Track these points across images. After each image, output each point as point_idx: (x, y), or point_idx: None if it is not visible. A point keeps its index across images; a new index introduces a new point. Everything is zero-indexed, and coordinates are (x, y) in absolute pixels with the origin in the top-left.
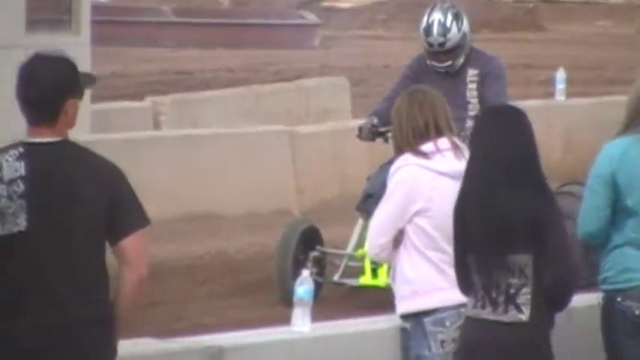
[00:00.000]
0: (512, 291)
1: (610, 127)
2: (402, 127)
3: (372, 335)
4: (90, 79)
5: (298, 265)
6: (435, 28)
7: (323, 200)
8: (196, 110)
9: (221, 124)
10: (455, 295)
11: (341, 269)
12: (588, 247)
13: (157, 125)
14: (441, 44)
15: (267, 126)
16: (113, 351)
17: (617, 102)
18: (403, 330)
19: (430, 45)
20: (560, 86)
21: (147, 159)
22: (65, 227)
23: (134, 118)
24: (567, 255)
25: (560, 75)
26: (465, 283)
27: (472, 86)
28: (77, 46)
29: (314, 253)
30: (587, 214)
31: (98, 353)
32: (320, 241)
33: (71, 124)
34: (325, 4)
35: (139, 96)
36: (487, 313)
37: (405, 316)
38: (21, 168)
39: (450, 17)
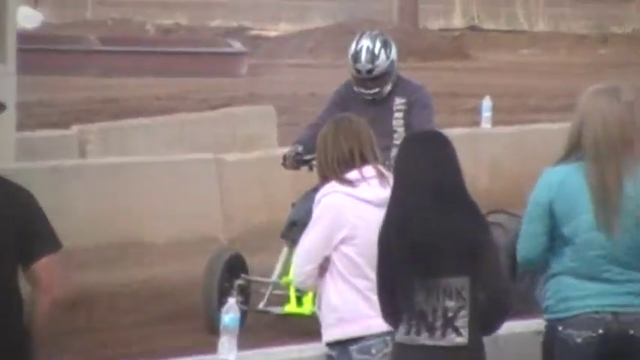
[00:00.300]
0: (450, 314)
1: (535, 155)
2: (328, 155)
3: None
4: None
5: (223, 293)
6: (364, 55)
7: (250, 228)
8: (123, 138)
9: (148, 152)
10: (381, 323)
11: (266, 297)
12: (515, 275)
13: (83, 153)
14: (369, 71)
15: (194, 154)
16: None
17: (542, 130)
18: (329, 358)
19: (358, 71)
20: (487, 114)
21: (73, 187)
22: None
23: (60, 146)
24: (502, 277)
25: (487, 103)
26: (389, 309)
27: (398, 115)
28: (3, 75)
29: (239, 281)
30: (525, 240)
31: None
32: (245, 269)
33: None
34: (252, 32)
35: (64, 124)
36: (424, 339)
37: (332, 344)
38: None
39: (378, 44)
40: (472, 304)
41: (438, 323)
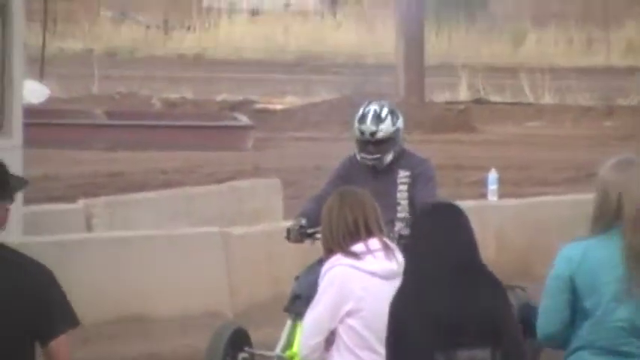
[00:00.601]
0: None
1: (541, 228)
2: (333, 228)
3: None
4: (21, 183)
5: None
6: (370, 117)
7: (256, 301)
8: (129, 212)
9: (154, 226)
10: None
11: None
12: None
13: (89, 227)
14: (373, 133)
15: (200, 227)
16: None
17: (548, 202)
18: None
19: (362, 133)
20: (493, 187)
21: (79, 261)
22: None
23: (66, 220)
24: (523, 348)
25: (493, 176)
26: None
27: (402, 187)
28: (9, 149)
29: (242, 355)
30: (546, 315)
31: None
32: (249, 343)
33: (1, 226)
34: (258, 105)
35: (70, 198)
36: None
37: None
38: None
39: (385, 110)
40: None
41: None
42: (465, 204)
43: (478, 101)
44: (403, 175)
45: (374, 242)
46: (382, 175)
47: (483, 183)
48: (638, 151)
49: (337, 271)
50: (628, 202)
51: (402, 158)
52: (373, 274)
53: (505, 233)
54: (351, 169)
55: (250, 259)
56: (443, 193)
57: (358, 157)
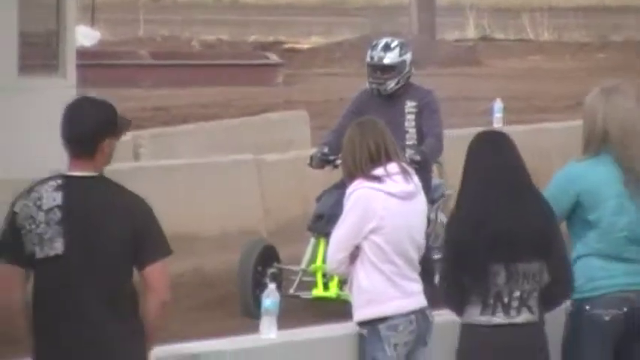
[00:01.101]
0: (525, 295)
1: (542, 151)
2: (356, 155)
3: (332, 340)
4: (127, 123)
5: (257, 282)
6: (380, 46)
7: (287, 221)
8: (172, 143)
9: (194, 155)
10: (406, 304)
11: (296, 283)
12: None
13: (136, 157)
14: (380, 58)
15: (236, 155)
16: None
17: (549, 128)
18: (360, 336)
19: (371, 58)
20: (498, 115)
21: (128, 187)
22: (96, 252)
23: (116, 151)
24: (568, 261)
25: (498, 105)
26: (457, 298)
27: (410, 117)
28: (64, 88)
29: (271, 270)
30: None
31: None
32: (277, 259)
33: (107, 161)
34: (286, 46)
35: None
36: (499, 318)
37: (362, 323)
38: (58, 198)
39: (395, 42)
40: (541, 285)
41: (515, 303)
42: (473, 131)
43: (484, 38)
44: (410, 105)
45: (392, 166)
46: (391, 105)
47: (489, 112)
48: (628, 81)
49: (361, 193)
50: (613, 125)
51: (409, 90)
52: (393, 195)
53: None
54: (364, 100)
55: (281, 183)
56: (453, 122)
57: (367, 82)
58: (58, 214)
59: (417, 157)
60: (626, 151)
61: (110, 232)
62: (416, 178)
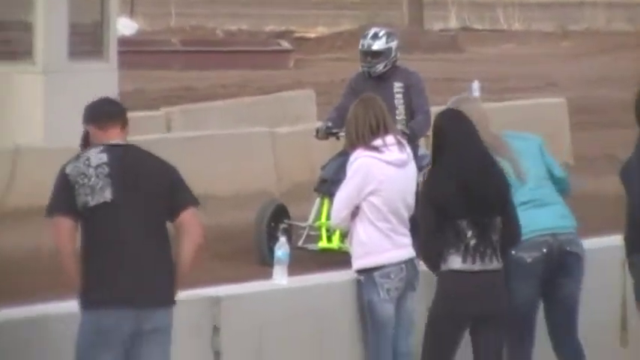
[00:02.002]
0: (495, 245)
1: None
2: (359, 128)
3: (335, 286)
4: None
5: (271, 235)
6: (370, 34)
7: (296, 184)
8: (199, 117)
9: (217, 127)
10: (398, 255)
11: (303, 237)
12: None
13: (168, 129)
14: (369, 45)
15: (253, 128)
16: (174, 297)
17: (518, 105)
18: (358, 282)
19: (362, 45)
20: (476, 94)
21: (161, 155)
22: (140, 199)
23: (151, 124)
24: (517, 216)
25: (475, 85)
26: (436, 250)
27: (398, 96)
28: (107, 71)
29: (282, 225)
30: None
31: (168, 296)
32: (287, 216)
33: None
34: (297, 35)
35: (155, 107)
36: (477, 266)
37: (359, 271)
38: (104, 157)
39: (383, 32)
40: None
41: (488, 251)
42: None
43: (464, 29)
44: (398, 85)
45: (389, 138)
46: (381, 85)
47: (469, 91)
48: (586, 65)
49: (362, 160)
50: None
51: (396, 72)
52: (390, 162)
53: None
54: (359, 82)
55: (292, 152)
56: (438, 100)
57: (361, 68)
58: (105, 169)
59: (406, 131)
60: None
61: (150, 183)
62: (408, 149)
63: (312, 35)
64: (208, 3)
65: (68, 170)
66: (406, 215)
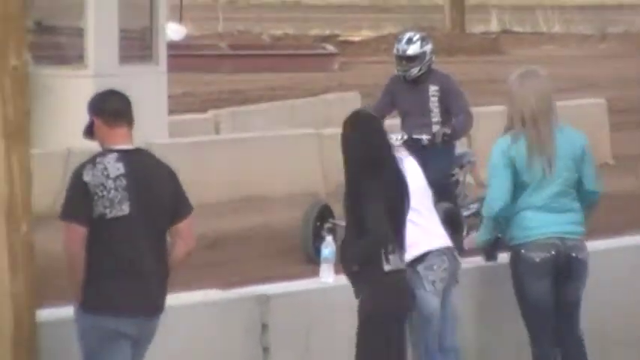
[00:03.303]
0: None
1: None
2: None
3: None
4: None
5: (317, 235)
6: (404, 39)
7: (342, 184)
8: (247, 119)
9: (265, 129)
10: (434, 242)
11: None
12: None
13: (217, 131)
14: (404, 50)
15: (300, 129)
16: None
17: (562, 105)
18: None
19: (397, 50)
20: None
21: (210, 156)
22: (152, 212)
23: (200, 126)
24: None
25: None
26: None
27: (434, 99)
28: (157, 74)
29: (328, 225)
30: (496, 191)
31: (164, 304)
32: (332, 216)
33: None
34: (341, 38)
35: (203, 110)
36: (402, 264)
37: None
38: (121, 168)
39: (417, 36)
40: None
41: (403, 250)
42: (497, 108)
43: (505, 31)
44: (433, 89)
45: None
46: (417, 89)
47: None
48: (624, 66)
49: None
50: (526, 108)
51: (431, 76)
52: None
53: None
54: (395, 85)
55: (337, 153)
56: (480, 101)
57: (397, 72)
58: (123, 181)
59: (448, 130)
60: (532, 130)
61: (161, 195)
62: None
63: (357, 39)
64: (254, 8)
65: (87, 178)
66: (430, 204)
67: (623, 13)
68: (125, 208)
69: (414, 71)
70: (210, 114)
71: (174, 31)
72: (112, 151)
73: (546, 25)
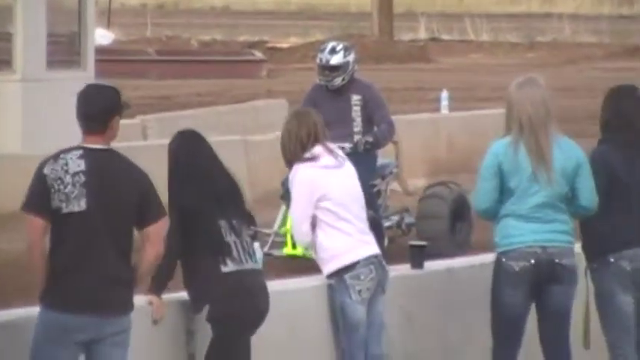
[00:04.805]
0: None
1: (482, 134)
2: (291, 144)
3: (309, 290)
4: (126, 104)
5: None
6: (327, 49)
7: (268, 191)
8: (174, 125)
9: None
10: (362, 251)
11: (269, 243)
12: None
13: (144, 137)
14: (327, 60)
15: (226, 136)
16: (133, 302)
17: (487, 114)
18: (330, 286)
19: (320, 60)
20: (444, 103)
21: (137, 162)
22: (111, 210)
23: (127, 131)
24: None
25: (444, 94)
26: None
27: (356, 108)
28: (85, 79)
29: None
30: (482, 194)
31: (128, 303)
32: (253, 223)
33: (115, 135)
34: (269, 45)
35: (131, 115)
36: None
37: (330, 276)
38: (82, 164)
39: (341, 46)
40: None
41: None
42: (423, 116)
43: (433, 39)
44: (356, 98)
45: (317, 148)
46: (339, 98)
47: (438, 100)
48: (552, 75)
49: (302, 172)
50: (522, 112)
51: (354, 85)
52: (327, 167)
53: (454, 138)
54: (317, 93)
55: (264, 160)
56: (407, 108)
57: (319, 80)
58: (82, 178)
59: (370, 139)
60: (532, 134)
61: (123, 195)
62: (340, 152)
63: (285, 45)
64: (183, 13)
65: (46, 171)
66: (361, 212)
67: (551, 22)
68: (82, 204)
69: (337, 81)
70: (137, 119)
71: (102, 36)
72: (78, 148)
73: (474, 33)
